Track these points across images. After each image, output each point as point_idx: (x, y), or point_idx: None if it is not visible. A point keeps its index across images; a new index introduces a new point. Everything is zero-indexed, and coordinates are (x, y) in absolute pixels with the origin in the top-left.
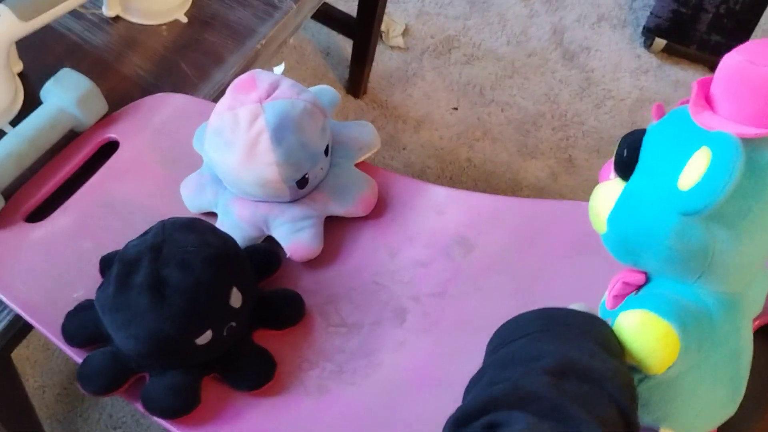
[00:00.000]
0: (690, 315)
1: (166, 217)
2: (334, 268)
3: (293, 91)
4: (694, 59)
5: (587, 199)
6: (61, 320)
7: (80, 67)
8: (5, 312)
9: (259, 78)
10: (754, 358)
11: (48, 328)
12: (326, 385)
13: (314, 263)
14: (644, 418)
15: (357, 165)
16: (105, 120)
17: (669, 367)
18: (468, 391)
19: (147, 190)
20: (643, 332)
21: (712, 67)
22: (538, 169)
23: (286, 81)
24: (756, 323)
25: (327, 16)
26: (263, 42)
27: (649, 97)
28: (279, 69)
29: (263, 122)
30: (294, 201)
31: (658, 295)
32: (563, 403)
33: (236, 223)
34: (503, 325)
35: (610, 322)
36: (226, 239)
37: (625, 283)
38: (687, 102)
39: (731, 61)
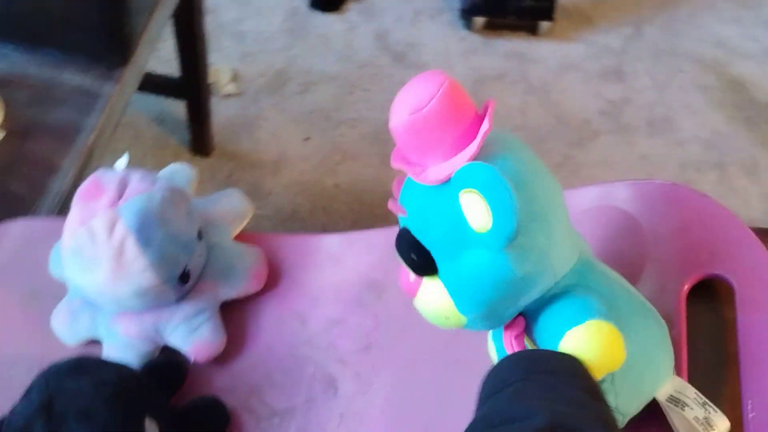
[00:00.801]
0: (590, 297)
1: (45, 361)
2: (246, 355)
3: (146, 184)
4: (514, 28)
5: None
6: None
7: None
8: None
9: (104, 180)
10: (695, 323)
11: None
12: None
13: (223, 358)
14: (639, 399)
15: (235, 238)
16: None
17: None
18: None
19: (14, 337)
20: (587, 346)
21: (532, 31)
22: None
23: (134, 174)
24: (686, 287)
25: (151, 83)
26: (94, 135)
27: (485, 74)
28: (122, 163)
29: (123, 227)
30: (180, 299)
31: (557, 313)
32: None
33: (125, 342)
34: (487, 375)
35: None
36: (120, 369)
37: (518, 336)
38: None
39: (400, 123)
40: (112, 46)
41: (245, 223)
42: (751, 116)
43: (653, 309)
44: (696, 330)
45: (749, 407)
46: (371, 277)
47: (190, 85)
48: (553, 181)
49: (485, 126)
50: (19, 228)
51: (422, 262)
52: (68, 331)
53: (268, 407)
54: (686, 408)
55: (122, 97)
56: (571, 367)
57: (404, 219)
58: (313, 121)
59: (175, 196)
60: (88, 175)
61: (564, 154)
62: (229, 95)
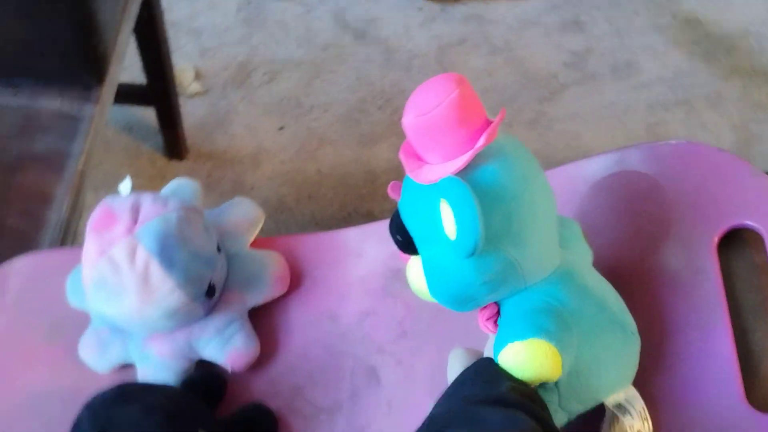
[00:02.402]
0: (545, 314)
1: (77, 394)
2: (282, 359)
3: (158, 205)
4: None
5: None
6: None
7: None
8: None
9: (115, 207)
10: (728, 273)
11: None
12: None
13: (259, 364)
14: (585, 402)
15: (251, 245)
16: None
17: (563, 367)
18: None
19: (43, 374)
20: (524, 362)
21: None
22: (385, 151)
23: (145, 197)
24: (715, 239)
25: (118, 94)
26: (83, 159)
27: (447, 41)
28: (126, 186)
29: (144, 252)
30: (209, 312)
31: (512, 320)
32: (474, 412)
33: (160, 363)
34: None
35: None
36: (165, 390)
37: (488, 320)
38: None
39: (407, 122)
40: (87, 67)
41: (258, 229)
42: (709, 51)
43: (627, 324)
44: (731, 279)
45: None
46: (394, 266)
47: (158, 90)
48: (543, 191)
49: (480, 142)
50: (26, 264)
51: (405, 244)
52: (99, 359)
53: (313, 406)
54: (627, 416)
55: (103, 117)
56: (474, 371)
57: (399, 204)
58: (284, 110)
59: (190, 214)
60: (82, 201)
61: (535, 111)
62: (195, 94)
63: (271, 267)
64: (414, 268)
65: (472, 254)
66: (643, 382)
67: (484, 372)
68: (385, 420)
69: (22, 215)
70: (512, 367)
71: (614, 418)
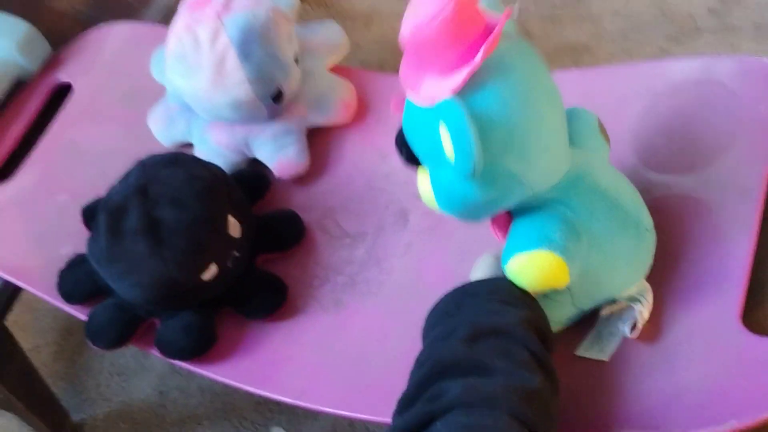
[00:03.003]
0: (552, 223)
1: (138, 157)
2: (326, 180)
3: (251, 0)
4: None
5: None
6: (53, 279)
7: (8, 10)
8: None
9: None
10: None
11: (42, 289)
12: (341, 298)
13: (304, 179)
14: (597, 299)
15: (329, 70)
16: (51, 63)
17: (569, 273)
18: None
19: (113, 131)
20: (527, 272)
21: None
22: None
23: None
24: None
25: None
26: None
27: None
28: None
29: (226, 38)
30: (272, 118)
31: (521, 230)
32: (480, 358)
33: (215, 150)
34: (429, 312)
35: None
36: (212, 169)
37: (497, 229)
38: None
39: (403, 36)
40: None
41: (341, 56)
42: None
43: (640, 221)
44: None
45: None
46: None
47: None
48: (548, 100)
49: (477, 58)
50: (124, 30)
51: (409, 160)
52: (164, 132)
53: (341, 229)
54: (638, 304)
55: None
56: (489, 287)
57: (403, 121)
58: None
59: (278, 17)
60: None
61: (660, 48)
62: None
63: (341, 93)
64: (421, 180)
65: (472, 176)
66: (650, 281)
67: (500, 291)
68: (400, 259)
69: None
70: (518, 278)
71: (612, 307)
